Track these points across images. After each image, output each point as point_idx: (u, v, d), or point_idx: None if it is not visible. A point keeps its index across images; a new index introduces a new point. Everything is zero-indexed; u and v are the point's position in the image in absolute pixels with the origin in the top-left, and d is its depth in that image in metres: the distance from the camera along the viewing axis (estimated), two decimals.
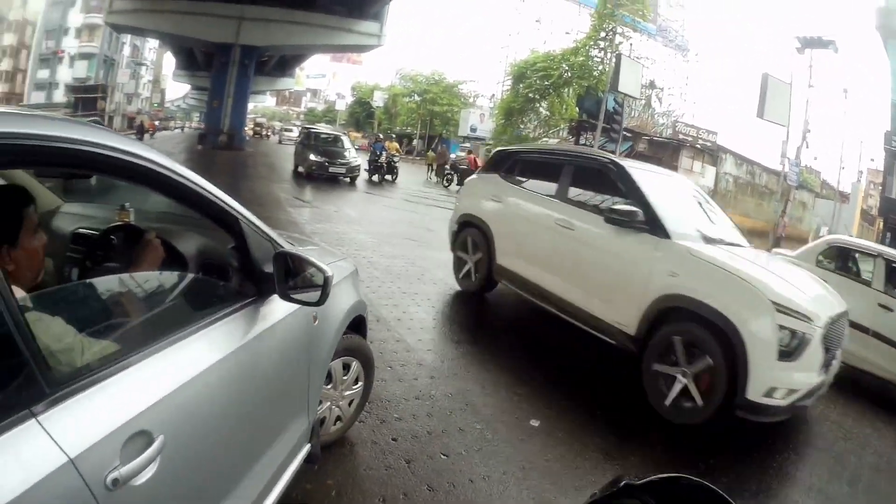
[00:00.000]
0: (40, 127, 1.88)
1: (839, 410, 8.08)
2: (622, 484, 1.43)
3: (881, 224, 39.90)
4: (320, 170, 30.61)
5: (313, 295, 3.01)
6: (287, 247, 3.13)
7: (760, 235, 31.58)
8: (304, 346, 3.51)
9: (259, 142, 75.44)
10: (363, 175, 34.43)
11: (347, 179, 31.99)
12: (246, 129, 69.17)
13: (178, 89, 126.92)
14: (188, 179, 2.53)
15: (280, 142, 73.79)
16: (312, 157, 31.01)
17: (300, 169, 32.92)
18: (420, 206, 26.97)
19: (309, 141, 33.81)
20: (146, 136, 53.72)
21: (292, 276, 3.00)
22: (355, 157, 33.22)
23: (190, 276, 3.24)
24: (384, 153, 36.65)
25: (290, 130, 75.37)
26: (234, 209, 2.83)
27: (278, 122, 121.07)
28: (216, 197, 2.72)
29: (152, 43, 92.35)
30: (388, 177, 36.59)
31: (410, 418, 5.65)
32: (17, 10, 73.42)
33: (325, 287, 2.98)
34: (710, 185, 41.04)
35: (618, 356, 7.47)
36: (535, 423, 5.95)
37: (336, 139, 35.14)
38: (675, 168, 40.18)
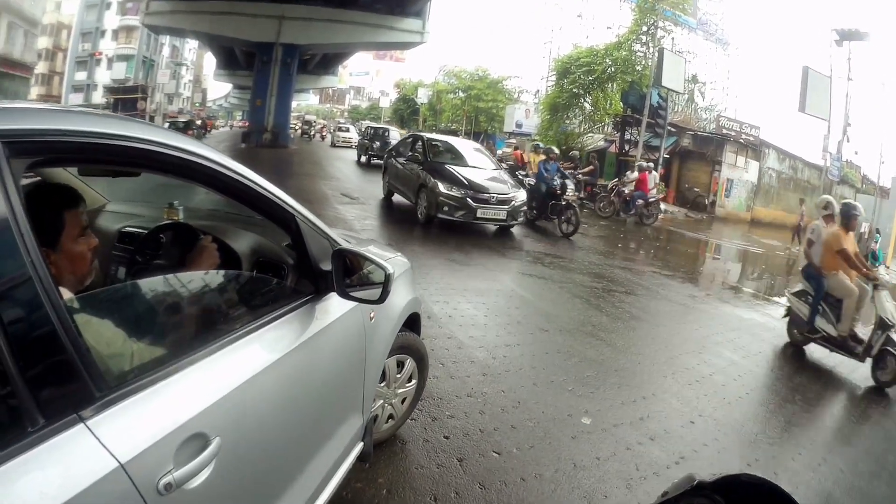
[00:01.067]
0: (88, 124, 1.85)
1: None
2: (695, 483, 1.42)
3: None
4: (459, 210, 16.00)
5: (373, 293, 2.98)
6: (344, 244, 3.10)
7: (803, 231, 31.44)
8: (361, 344, 3.48)
9: (305, 143, 64.99)
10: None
11: (504, 224, 17.18)
12: (293, 127, 69.31)
13: (219, 88, 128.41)
14: (243, 176, 2.51)
15: (334, 144, 60.13)
16: (442, 187, 16.02)
17: (408, 203, 18.81)
18: None
19: (416, 154, 18.84)
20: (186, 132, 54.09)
21: (350, 273, 2.98)
22: (514, 187, 17.67)
23: (244, 274, 3.25)
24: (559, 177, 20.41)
25: (346, 130, 64.69)
26: (291, 206, 2.80)
27: (321, 119, 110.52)
28: (272, 194, 2.69)
29: (192, 43, 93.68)
30: (568, 226, 19.07)
31: (462, 416, 5.62)
32: (51, 13, 74.39)
33: (385, 284, 2.94)
34: (753, 180, 40.68)
35: None
36: (586, 420, 5.90)
37: (473, 155, 19.45)
38: (719, 163, 39.99)
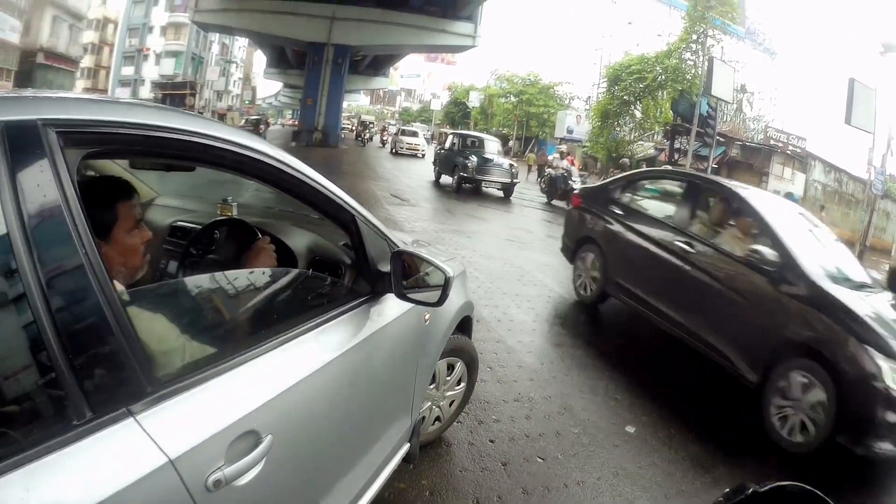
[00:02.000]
0: (144, 116, 1.87)
1: None
2: (749, 491, 1.45)
3: None
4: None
5: (431, 295, 2.96)
6: (402, 246, 3.09)
7: (847, 245, 31.13)
8: (414, 346, 3.49)
9: (358, 147, 54.55)
10: None
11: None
12: (346, 128, 68.79)
13: (269, 87, 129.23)
14: (304, 174, 2.52)
15: (394, 151, 48.78)
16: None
17: None
18: None
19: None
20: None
21: (406, 274, 2.97)
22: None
23: (301, 273, 3.25)
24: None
25: (413, 134, 52.86)
26: (351, 206, 2.81)
27: (381, 120, 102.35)
28: (332, 193, 2.70)
29: (242, 41, 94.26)
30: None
31: (508, 420, 5.63)
32: (96, 8, 75.31)
33: (445, 287, 2.92)
34: (799, 193, 40.41)
35: (721, 374, 7.23)
36: (630, 429, 5.88)
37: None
38: (766, 174, 39.68)
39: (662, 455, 5.52)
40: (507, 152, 45.70)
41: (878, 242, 37.99)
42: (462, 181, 26.43)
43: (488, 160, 26.87)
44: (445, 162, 28.79)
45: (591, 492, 4.73)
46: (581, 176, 29.98)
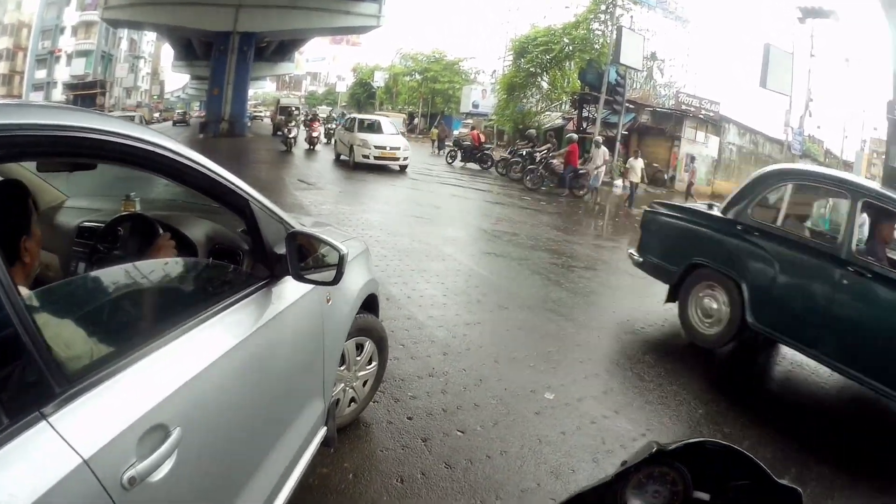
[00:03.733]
0: (38, 116, 1.84)
1: None
2: (654, 450, 1.43)
3: None
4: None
5: (328, 274, 2.98)
6: (298, 227, 3.09)
7: None
8: (319, 327, 3.48)
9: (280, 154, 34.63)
10: None
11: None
12: (259, 117, 66.65)
13: (177, 80, 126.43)
14: (194, 162, 2.49)
15: (350, 162, 28.83)
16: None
17: None
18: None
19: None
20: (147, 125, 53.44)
21: (305, 256, 2.97)
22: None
23: (200, 262, 3.25)
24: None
25: (392, 133, 31.56)
26: (244, 191, 2.79)
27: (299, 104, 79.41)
28: (224, 179, 2.68)
29: (150, 36, 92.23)
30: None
31: (425, 396, 5.67)
32: (11, 12, 73.29)
33: (339, 266, 2.94)
34: (713, 155, 40.93)
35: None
36: (549, 395, 5.96)
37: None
38: (678, 138, 40.28)
39: (584, 419, 5.60)
40: (412, 129, 46.02)
41: None
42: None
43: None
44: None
45: (515, 461, 4.76)
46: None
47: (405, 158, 29.10)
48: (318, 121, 44.12)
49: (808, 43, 37.79)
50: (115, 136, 2.07)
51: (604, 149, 27.96)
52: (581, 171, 26.68)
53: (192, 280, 3.00)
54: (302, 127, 43.59)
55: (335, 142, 33.84)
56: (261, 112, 68.61)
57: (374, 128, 30.73)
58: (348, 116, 38.58)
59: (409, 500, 4.21)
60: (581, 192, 26.40)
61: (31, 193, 2.39)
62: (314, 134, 38.60)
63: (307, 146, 38.13)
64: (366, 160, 27.71)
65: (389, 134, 30.60)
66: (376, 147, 28.24)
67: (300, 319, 3.24)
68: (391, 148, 28.81)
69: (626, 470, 1.45)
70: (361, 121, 31.48)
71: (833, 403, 7.28)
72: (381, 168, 28.37)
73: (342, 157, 30.89)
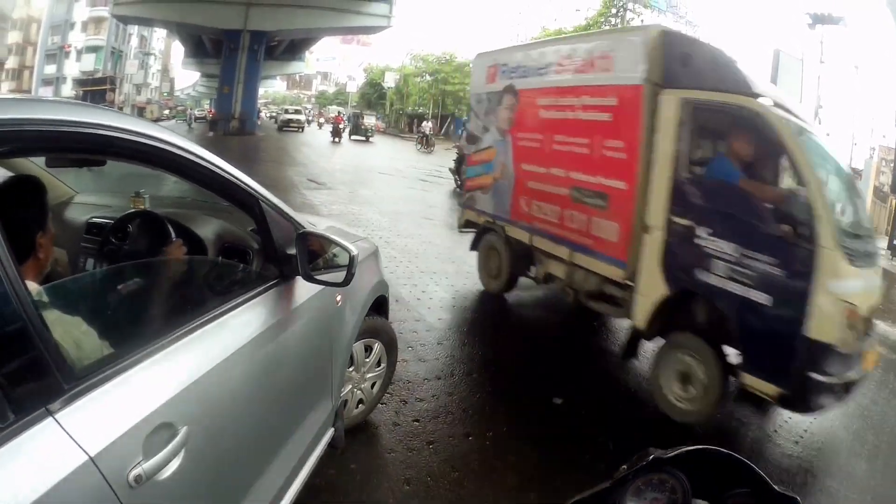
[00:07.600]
0: (47, 111, 1.81)
1: None
2: (651, 458, 1.43)
3: (894, 201, 39.53)
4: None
5: (338, 275, 2.96)
6: (308, 227, 3.07)
7: None
8: (328, 328, 3.47)
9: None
10: None
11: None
12: (301, 121, 67.49)
13: (187, 77, 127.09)
14: (204, 160, 2.47)
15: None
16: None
17: None
18: None
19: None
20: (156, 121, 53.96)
21: (314, 257, 2.96)
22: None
23: (210, 261, 3.24)
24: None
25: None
26: (254, 190, 2.77)
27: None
28: (235, 178, 2.65)
29: (160, 33, 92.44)
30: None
31: (432, 399, 5.65)
32: (21, 7, 73.50)
33: (350, 267, 2.93)
34: None
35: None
36: (557, 400, 5.92)
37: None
38: None
39: (593, 426, 5.55)
40: (425, 142, 47.45)
41: None
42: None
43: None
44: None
45: (524, 468, 4.71)
46: None
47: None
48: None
49: (818, 49, 37.75)
50: (125, 132, 2.04)
51: None
52: None
53: (202, 279, 2.99)
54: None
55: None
56: (294, 116, 62.11)
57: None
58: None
59: None
60: None
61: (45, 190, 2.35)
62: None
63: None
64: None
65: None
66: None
67: (310, 320, 3.22)
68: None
69: (624, 477, 1.44)
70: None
71: None
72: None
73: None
